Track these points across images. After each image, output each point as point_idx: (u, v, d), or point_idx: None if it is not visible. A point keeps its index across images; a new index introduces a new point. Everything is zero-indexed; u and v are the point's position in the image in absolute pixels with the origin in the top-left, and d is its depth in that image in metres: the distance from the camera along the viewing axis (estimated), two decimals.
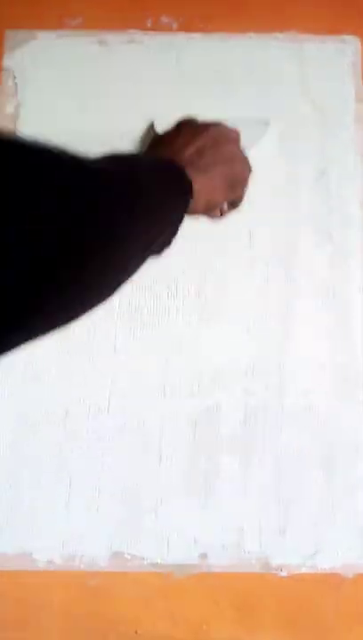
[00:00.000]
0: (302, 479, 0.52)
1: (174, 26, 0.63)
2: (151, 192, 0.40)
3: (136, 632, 0.48)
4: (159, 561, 0.50)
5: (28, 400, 0.53)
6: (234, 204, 0.56)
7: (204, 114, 0.60)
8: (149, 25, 0.63)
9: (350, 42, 0.63)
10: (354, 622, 0.49)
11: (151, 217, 0.40)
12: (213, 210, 0.54)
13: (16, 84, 0.61)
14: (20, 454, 0.52)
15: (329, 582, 0.49)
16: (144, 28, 0.63)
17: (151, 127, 0.58)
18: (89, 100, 0.61)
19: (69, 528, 0.50)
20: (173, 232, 0.46)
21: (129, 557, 0.50)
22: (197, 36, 0.63)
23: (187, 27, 0.63)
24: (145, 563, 0.50)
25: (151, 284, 0.56)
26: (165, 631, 0.48)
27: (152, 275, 0.56)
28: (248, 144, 0.55)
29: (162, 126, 0.58)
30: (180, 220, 0.46)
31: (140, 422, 0.52)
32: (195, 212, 0.49)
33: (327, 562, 0.50)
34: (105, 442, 0.52)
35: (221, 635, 0.48)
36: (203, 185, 0.48)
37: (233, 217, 0.58)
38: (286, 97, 0.61)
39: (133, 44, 0.62)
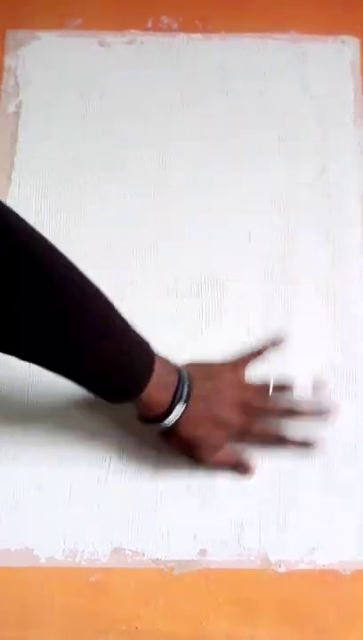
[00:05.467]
0: (302, 476, 0.52)
1: (174, 26, 0.63)
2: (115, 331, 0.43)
3: (136, 628, 0.49)
4: (159, 557, 0.50)
5: (30, 396, 0.53)
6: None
7: (204, 113, 0.61)
8: (149, 25, 0.63)
9: (350, 42, 0.64)
10: (352, 618, 0.49)
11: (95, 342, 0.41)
12: (201, 449, 0.48)
13: (17, 83, 0.62)
14: (22, 451, 0.52)
15: (327, 578, 0.50)
16: (144, 29, 0.63)
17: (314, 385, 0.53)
18: (90, 100, 0.61)
19: (70, 524, 0.51)
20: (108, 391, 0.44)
21: (129, 553, 0.50)
22: (197, 36, 0.63)
23: (187, 27, 0.63)
24: (145, 559, 0.50)
25: (152, 284, 0.56)
26: (165, 627, 0.49)
27: (152, 274, 0.57)
28: None
29: (162, 126, 0.59)
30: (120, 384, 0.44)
31: None
32: (180, 434, 0.46)
33: (326, 558, 0.50)
34: (106, 438, 0.53)
35: (221, 630, 0.49)
36: (194, 407, 0.46)
37: (233, 217, 0.58)
38: (286, 97, 0.62)
39: (133, 45, 0.63)
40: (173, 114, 0.61)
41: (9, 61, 0.62)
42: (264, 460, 0.52)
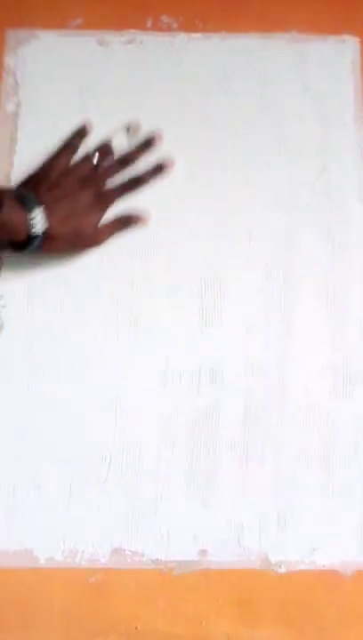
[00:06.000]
0: (302, 477, 0.52)
1: (174, 26, 0.63)
2: None
3: (136, 628, 0.49)
4: (159, 557, 0.50)
5: (30, 397, 0.53)
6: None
7: (204, 113, 0.61)
8: (148, 25, 0.63)
9: (350, 42, 0.63)
10: (352, 619, 0.49)
11: None
12: (86, 231, 0.54)
13: (17, 82, 0.62)
14: (21, 451, 0.52)
15: (327, 579, 0.50)
16: (144, 28, 0.63)
17: (128, 129, 0.59)
18: (89, 100, 0.61)
19: (70, 525, 0.51)
20: None
21: (129, 554, 0.50)
22: (197, 35, 0.63)
23: (187, 27, 0.63)
24: (145, 559, 0.50)
25: (151, 284, 0.56)
26: (165, 627, 0.49)
27: (152, 274, 0.57)
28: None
29: (162, 127, 0.59)
30: None
31: (140, 420, 0.53)
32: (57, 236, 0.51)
33: (326, 559, 0.50)
34: (105, 439, 0.52)
35: (220, 631, 0.49)
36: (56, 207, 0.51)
37: (233, 217, 0.58)
38: (286, 97, 0.62)
39: (133, 44, 0.63)
40: (173, 114, 0.61)
41: (9, 61, 0.62)
42: (264, 461, 0.52)
